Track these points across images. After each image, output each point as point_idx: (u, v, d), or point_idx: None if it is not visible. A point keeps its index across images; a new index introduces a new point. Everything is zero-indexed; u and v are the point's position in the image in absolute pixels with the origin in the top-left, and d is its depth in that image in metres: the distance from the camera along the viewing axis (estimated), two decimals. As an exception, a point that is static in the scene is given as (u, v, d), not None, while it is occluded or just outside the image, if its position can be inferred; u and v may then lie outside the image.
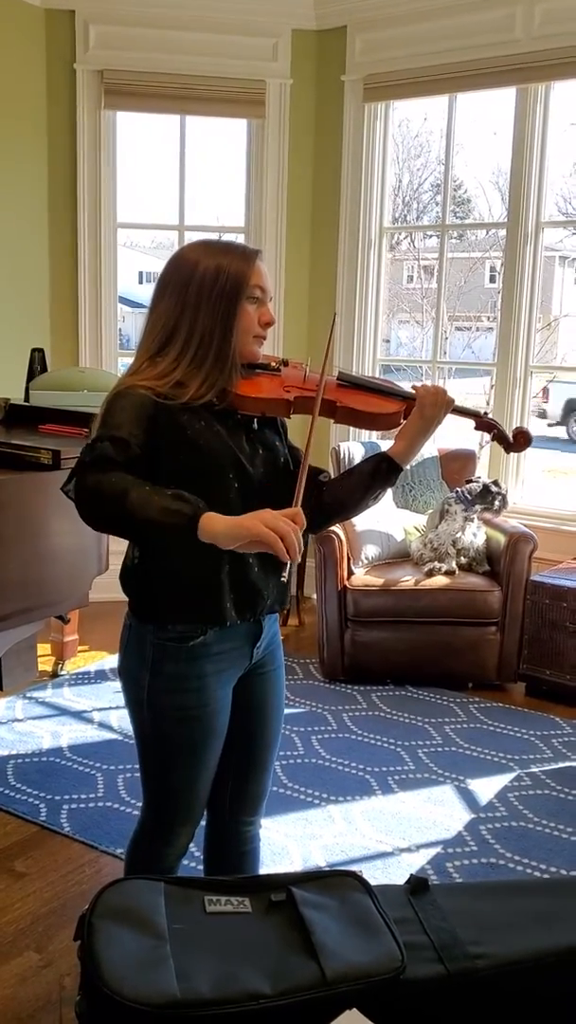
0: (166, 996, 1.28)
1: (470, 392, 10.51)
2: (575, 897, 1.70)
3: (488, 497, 4.02)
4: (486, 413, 1.84)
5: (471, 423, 1.85)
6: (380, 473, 1.76)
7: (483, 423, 1.82)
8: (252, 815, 1.94)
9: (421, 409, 1.72)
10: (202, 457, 1.62)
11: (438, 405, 1.71)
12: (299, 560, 1.47)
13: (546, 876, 2.65)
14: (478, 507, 4.04)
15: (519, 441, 1.86)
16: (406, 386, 1.85)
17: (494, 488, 4.05)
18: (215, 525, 1.45)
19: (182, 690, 1.71)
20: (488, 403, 9.03)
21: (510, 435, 1.85)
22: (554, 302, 13.17)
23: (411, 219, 11.14)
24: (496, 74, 4.30)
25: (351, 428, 4.53)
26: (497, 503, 4.03)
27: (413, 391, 1.75)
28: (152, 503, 1.45)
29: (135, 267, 14.92)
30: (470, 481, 4.13)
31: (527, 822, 2.94)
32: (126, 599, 1.76)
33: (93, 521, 1.52)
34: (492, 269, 12.22)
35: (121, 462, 1.51)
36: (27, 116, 4.62)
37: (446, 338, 5.89)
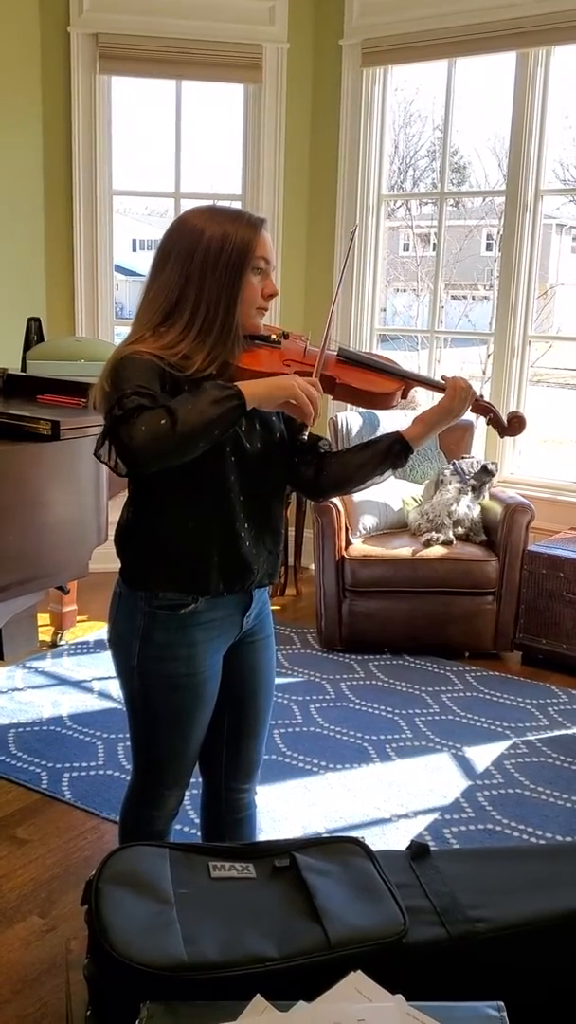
0: (173, 959, 1.30)
1: (467, 361, 10.47)
2: (572, 862, 1.73)
3: (484, 478, 4.09)
4: (481, 396, 1.83)
5: None
6: (392, 454, 1.75)
7: (479, 406, 1.82)
8: (247, 783, 1.97)
9: (450, 401, 1.72)
10: None
11: (467, 401, 1.72)
12: (314, 421, 1.58)
13: (542, 842, 2.69)
14: (472, 482, 4.08)
15: (513, 426, 1.85)
16: (413, 367, 1.85)
17: (490, 467, 4.13)
18: (255, 391, 1.54)
19: (172, 658, 1.72)
20: (485, 373, 9.02)
21: (505, 419, 1.85)
22: (551, 270, 13.08)
23: (407, 186, 11.04)
24: (496, 38, 4.25)
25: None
26: (490, 483, 4.12)
27: (442, 380, 1.75)
28: (199, 408, 1.48)
29: (128, 235, 14.77)
30: (463, 458, 4.17)
31: (523, 789, 2.98)
32: None
33: (155, 462, 1.49)
34: (488, 237, 12.13)
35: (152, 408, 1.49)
36: (21, 80, 4.56)
37: (442, 307, 5.85)
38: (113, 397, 1.52)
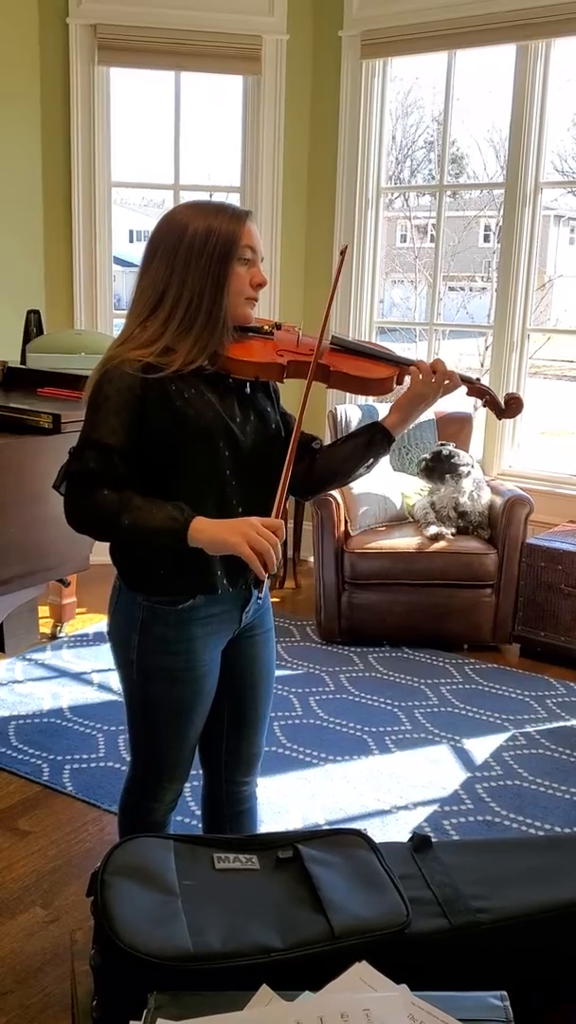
0: (179, 950, 1.31)
1: (465, 353, 10.47)
2: (572, 853, 1.74)
3: (437, 464, 4.00)
4: (478, 379, 1.84)
5: (463, 388, 1.86)
6: (374, 444, 1.78)
7: (475, 389, 1.83)
8: (247, 775, 1.98)
9: (420, 386, 1.73)
10: (192, 427, 1.63)
11: (438, 384, 1.73)
12: (275, 572, 1.57)
13: (541, 833, 2.71)
14: (432, 470, 4.02)
15: (511, 407, 1.86)
16: (404, 354, 1.86)
17: (443, 450, 4.02)
18: (200, 538, 1.57)
19: (171, 652, 1.73)
20: (483, 365, 9.01)
21: (502, 401, 1.86)
22: (549, 262, 13.08)
23: (404, 177, 11.02)
24: (496, 31, 4.24)
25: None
26: (456, 471, 3.99)
27: (415, 362, 1.76)
28: (146, 526, 1.57)
29: (126, 225, 14.73)
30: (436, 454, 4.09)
31: (522, 781, 3.00)
32: None
33: (85, 533, 1.67)
34: (486, 228, 12.12)
35: (107, 477, 1.59)
36: (20, 72, 4.54)
37: (440, 299, 5.85)
38: (80, 435, 1.64)
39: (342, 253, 1.85)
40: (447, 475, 3.99)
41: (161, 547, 1.61)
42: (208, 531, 1.56)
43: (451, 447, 4.08)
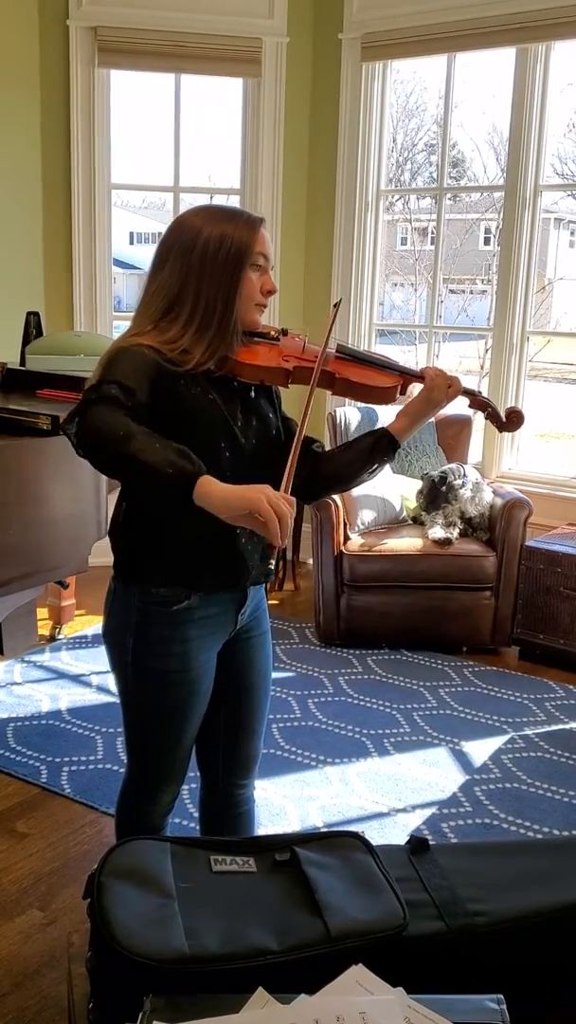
0: (175, 952, 1.31)
1: (465, 356, 10.48)
2: (570, 856, 1.74)
3: (438, 502, 4.05)
4: (480, 392, 1.87)
5: (465, 400, 1.88)
6: (379, 449, 1.78)
7: (477, 402, 1.86)
8: (245, 778, 1.98)
9: (429, 392, 1.75)
10: (195, 425, 1.64)
11: (447, 389, 1.75)
12: (285, 545, 1.46)
13: (539, 836, 2.71)
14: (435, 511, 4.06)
15: (512, 421, 1.89)
16: (407, 362, 1.87)
17: (436, 478, 4.08)
18: (212, 489, 1.41)
19: (166, 654, 1.72)
20: (483, 367, 9.01)
21: (503, 414, 1.89)
22: (549, 265, 13.07)
23: (405, 180, 11.02)
24: (496, 33, 4.24)
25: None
26: (453, 493, 4.04)
27: (420, 371, 1.78)
28: (155, 451, 1.42)
29: (126, 227, 14.75)
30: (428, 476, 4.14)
31: (520, 783, 2.99)
32: None
33: (92, 457, 1.49)
34: (487, 231, 12.12)
35: (128, 406, 1.49)
36: (20, 74, 4.54)
37: (441, 301, 5.86)
38: (96, 380, 1.53)
39: (335, 306, 1.84)
40: (447, 495, 4.01)
41: (164, 483, 1.42)
42: (221, 486, 1.42)
43: (436, 473, 4.10)
